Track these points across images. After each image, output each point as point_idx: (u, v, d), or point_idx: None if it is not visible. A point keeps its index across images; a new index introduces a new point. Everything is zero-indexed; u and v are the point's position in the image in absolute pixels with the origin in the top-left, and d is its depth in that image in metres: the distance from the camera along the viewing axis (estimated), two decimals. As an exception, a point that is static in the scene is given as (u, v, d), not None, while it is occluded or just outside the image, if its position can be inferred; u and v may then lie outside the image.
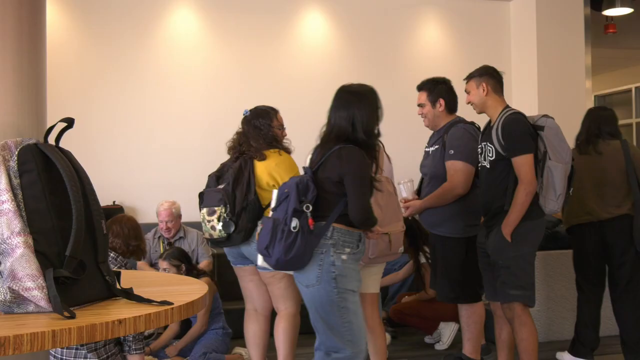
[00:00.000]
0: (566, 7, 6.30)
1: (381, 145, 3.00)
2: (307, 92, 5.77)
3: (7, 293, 1.18)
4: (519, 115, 3.07)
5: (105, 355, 2.73)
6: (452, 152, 3.36)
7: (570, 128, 6.27)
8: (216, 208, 3.04)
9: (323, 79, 5.83)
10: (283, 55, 6.04)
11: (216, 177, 3.20)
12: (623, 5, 6.41)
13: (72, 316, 1.13)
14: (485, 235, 3.15)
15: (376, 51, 6.24)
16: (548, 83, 6.24)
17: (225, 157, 3.35)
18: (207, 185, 3.21)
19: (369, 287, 3.02)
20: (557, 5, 6.29)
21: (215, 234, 3.06)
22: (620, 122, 11.02)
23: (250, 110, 3.27)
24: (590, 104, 6.57)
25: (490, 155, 3.09)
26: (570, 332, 4.24)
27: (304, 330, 3.38)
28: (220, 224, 3.02)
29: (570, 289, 4.68)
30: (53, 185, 1.26)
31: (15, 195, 1.22)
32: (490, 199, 3.12)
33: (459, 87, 6.57)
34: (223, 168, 3.24)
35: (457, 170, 3.35)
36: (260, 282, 3.27)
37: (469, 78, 3.26)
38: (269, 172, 3.04)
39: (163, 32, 5.80)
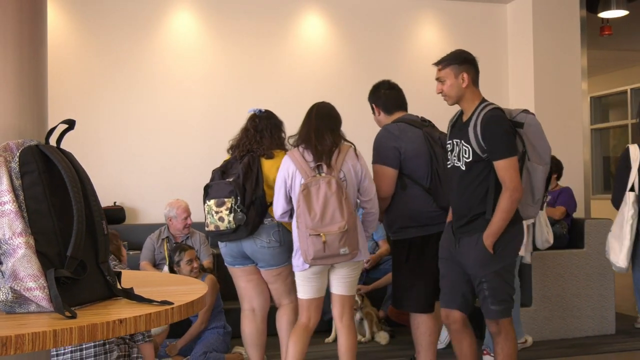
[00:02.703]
0: (562, 10, 6.33)
1: (338, 146, 2.96)
2: (306, 93, 5.78)
3: (8, 293, 1.19)
4: (499, 112, 2.74)
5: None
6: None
7: (567, 129, 6.34)
8: (226, 199, 3.07)
9: (322, 81, 5.84)
10: (282, 57, 6.05)
11: (221, 172, 3.23)
12: (618, 7, 6.44)
13: (74, 316, 1.14)
14: (456, 242, 2.84)
15: (373, 53, 6.26)
16: (544, 84, 6.26)
17: (225, 157, 3.37)
18: (212, 179, 3.24)
19: (335, 288, 3.04)
20: (553, 7, 6.32)
21: (223, 226, 3.08)
22: (616, 123, 11.12)
23: (266, 110, 3.31)
24: (586, 105, 6.60)
25: (466, 155, 2.76)
26: (569, 332, 4.27)
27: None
28: (232, 215, 3.05)
29: (566, 289, 4.70)
30: (54, 186, 1.27)
31: (16, 196, 1.23)
32: (465, 203, 2.80)
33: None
34: (227, 164, 3.27)
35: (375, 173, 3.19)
36: (259, 281, 3.28)
37: (446, 64, 2.83)
38: (277, 169, 3.07)
39: (163, 34, 5.80)
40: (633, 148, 3.11)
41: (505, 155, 2.68)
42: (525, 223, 4.03)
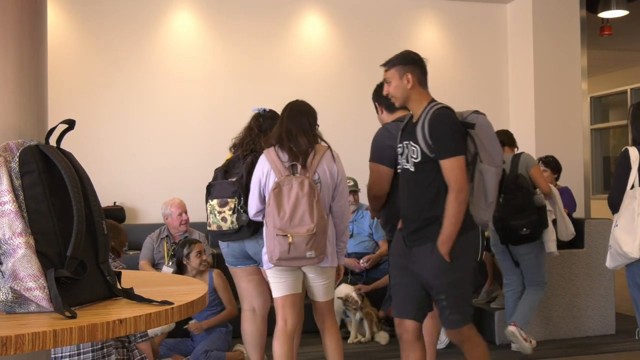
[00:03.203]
0: (562, 10, 6.33)
1: (313, 147, 2.95)
2: (305, 93, 5.75)
3: (8, 293, 1.19)
4: (447, 111, 2.67)
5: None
6: None
7: (567, 129, 6.34)
8: (229, 200, 3.07)
9: (322, 81, 5.84)
10: (282, 57, 6.05)
11: (224, 171, 3.23)
12: (618, 7, 6.44)
13: (74, 316, 1.14)
14: (408, 251, 2.74)
15: (373, 53, 6.24)
16: (544, 84, 6.26)
17: (226, 156, 3.37)
18: (215, 179, 3.24)
19: (310, 294, 3.06)
20: (553, 7, 6.32)
21: (226, 226, 3.09)
22: (616, 123, 11.12)
23: (270, 110, 3.30)
24: (586, 105, 6.61)
25: (415, 156, 2.67)
26: (569, 332, 4.27)
27: (305, 330, 3.41)
28: (235, 215, 3.05)
29: (566, 289, 4.71)
30: (54, 186, 1.27)
31: (16, 196, 1.23)
32: (414, 207, 2.70)
33: (454, 88, 6.58)
34: (229, 163, 3.26)
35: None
36: (260, 281, 3.28)
37: (390, 65, 2.78)
38: None
39: (163, 34, 5.80)
40: (632, 150, 3.16)
41: (451, 154, 2.59)
42: (549, 218, 4.16)
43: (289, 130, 2.93)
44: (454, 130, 2.63)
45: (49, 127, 1.40)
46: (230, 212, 3.07)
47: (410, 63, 2.75)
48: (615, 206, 3.22)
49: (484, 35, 6.58)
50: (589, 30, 6.56)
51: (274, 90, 5.82)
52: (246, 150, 3.22)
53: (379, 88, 3.38)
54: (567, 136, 6.26)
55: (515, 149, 4.53)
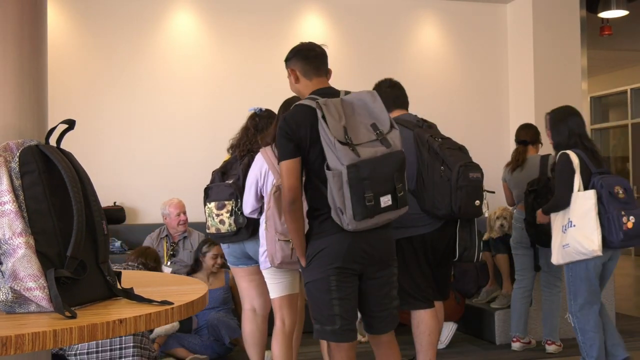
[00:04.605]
0: (562, 10, 6.33)
1: None
2: (304, 93, 5.79)
3: (8, 293, 1.19)
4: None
5: None
6: None
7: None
8: (226, 202, 3.07)
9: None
10: (282, 57, 6.01)
11: (221, 173, 3.22)
12: (618, 7, 6.44)
13: (74, 316, 1.14)
14: None
15: (374, 53, 6.26)
16: (544, 84, 6.26)
17: (225, 157, 3.36)
18: (212, 181, 3.23)
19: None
20: (553, 7, 6.32)
21: (224, 228, 3.08)
22: (616, 123, 11.11)
23: (266, 109, 3.30)
24: (586, 105, 6.61)
25: None
26: (569, 332, 4.26)
27: (305, 330, 3.40)
28: (232, 217, 3.05)
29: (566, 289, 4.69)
30: (54, 186, 1.27)
31: (16, 196, 1.23)
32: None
33: (454, 88, 6.57)
34: (227, 165, 3.26)
35: None
36: (261, 281, 3.28)
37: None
38: None
39: (163, 34, 5.80)
40: (572, 155, 3.36)
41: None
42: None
43: None
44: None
45: (49, 127, 1.40)
46: (228, 215, 3.07)
47: (291, 57, 2.56)
48: (562, 207, 3.39)
49: (484, 35, 6.58)
50: (589, 30, 6.55)
51: (274, 91, 5.80)
52: (243, 151, 3.22)
53: (377, 87, 3.38)
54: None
55: (540, 145, 4.44)
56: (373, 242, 2.37)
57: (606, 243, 3.27)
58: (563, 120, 3.54)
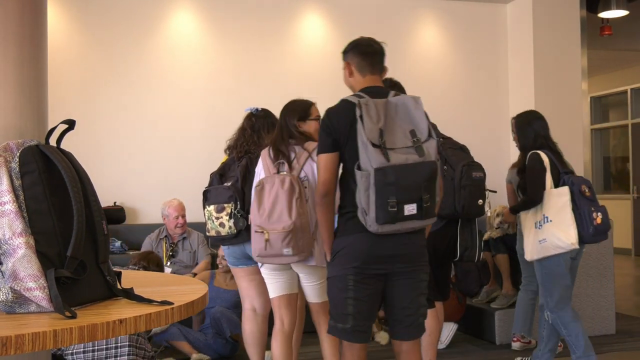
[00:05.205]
0: (562, 10, 6.33)
1: (301, 145, 2.94)
2: (306, 93, 5.76)
3: (8, 293, 1.19)
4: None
5: None
6: None
7: (567, 129, 6.33)
8: (226, 205, 3.07)
9: (322, 81, 5.84)
10: (282, 57, 6.05)
11: (219, 176, 3.22)
12: (618, 7, 6.44)
13: (74, 316, 1.14)
14: None
15: (373, 53, 6.26)
16: (544, 84, 6.26)
17: (222, 158, 3.36)
18: (210, 184, 3.23)
19: (307, 297, 3.03)
20: (553, 7, 6.32)
21: (224, 231, 3.08)
22: (616, 123, 11.11)
23: (262, 109, 3.30)
24: (586, 105, 6.61)
25: None
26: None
27: (305, 330, 3.40)
28: (232, 220, 3.05)
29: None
30: (54, 186, 1.27)
31: (16, 196, 1.23)
32: None
33: (454, 87, 6.59)
34: (225, 167, 3.25)
35: None
36: (261, 282, 3.28)
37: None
38: None
39: (163, 34, 5.80)
40: (542, 155, 3.51)
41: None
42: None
43: (280, 128, 2.97)
44: None
45: (49, 127, 1.40)
46: (228, 217, 3.06)
47: (347, 51, 2.54)
48: (536, 204, 3.51)
49: (484, 35, 6.58)
50: (589, 30, 6.56)
51: (274, 90, 5.82)
52: (240, 152, 3.21)
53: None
54: (567, 136, 6.24)
55: None
56: (400, 244, 2.33)
57: (579, 238, 3.41)
58: (529, 124, 3.68)
